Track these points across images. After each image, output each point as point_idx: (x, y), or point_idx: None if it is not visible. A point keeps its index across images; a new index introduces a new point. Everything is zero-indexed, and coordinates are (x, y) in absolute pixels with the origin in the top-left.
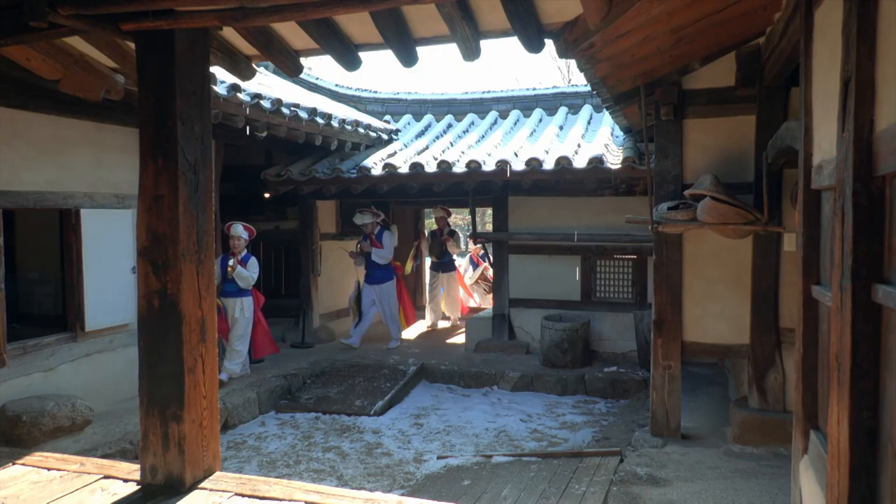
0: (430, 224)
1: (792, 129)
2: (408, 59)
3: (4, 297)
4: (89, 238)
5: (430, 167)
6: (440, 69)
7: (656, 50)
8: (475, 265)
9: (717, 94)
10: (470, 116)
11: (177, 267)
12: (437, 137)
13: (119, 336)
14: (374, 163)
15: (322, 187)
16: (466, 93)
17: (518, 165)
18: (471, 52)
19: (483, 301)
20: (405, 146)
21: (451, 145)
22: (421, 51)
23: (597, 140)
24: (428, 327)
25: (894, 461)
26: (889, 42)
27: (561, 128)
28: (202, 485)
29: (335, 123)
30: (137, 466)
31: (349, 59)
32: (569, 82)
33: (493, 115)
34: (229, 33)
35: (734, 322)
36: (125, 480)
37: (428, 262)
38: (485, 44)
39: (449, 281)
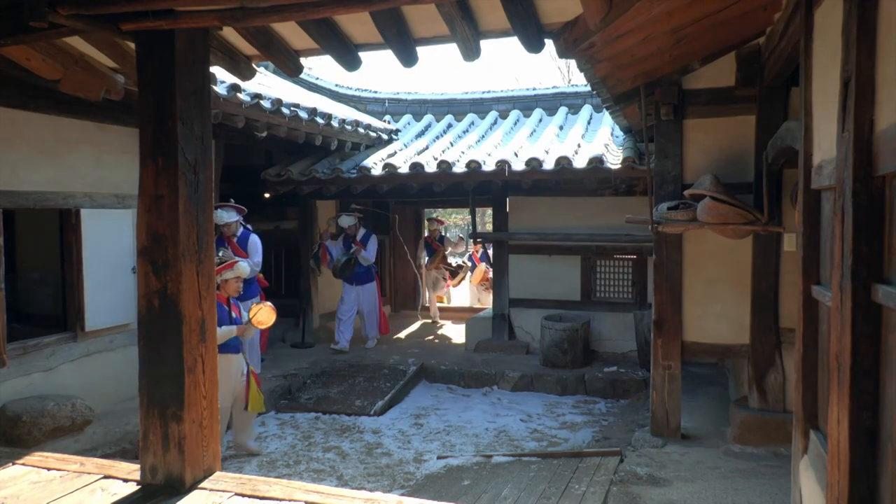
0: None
1: (792, 129)
2: (408, 59)
3: (4, 297)
4: (89, 238)
5: (430, 167)
6: (440, 69)
7: (656, 50)
8: (474, 264)
9: (717, 94)
10: (470, 116)
11: (177, 267)
12: (437, 137)
13: (119, 336)
14: (374, 163)
15: (322, 187)
16: (466, 93)
17: (518, 165)
18: (471, 52)
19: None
20: (405, 146)
21: (451, 145)
22: (421, 51)
23: (597, 140)
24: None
25: (894, 461)
26: (889, 42)
27: (561, 128)
28: (202, 485)
29: (335, 123)
30: (137, 466)
31: (349, 59)
32: (569, 82)
33: (493, 115)
34: (229, 33)
35: (734, 322)
36: (125, 480)
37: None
38: (485, 44)
39: (364, 295)
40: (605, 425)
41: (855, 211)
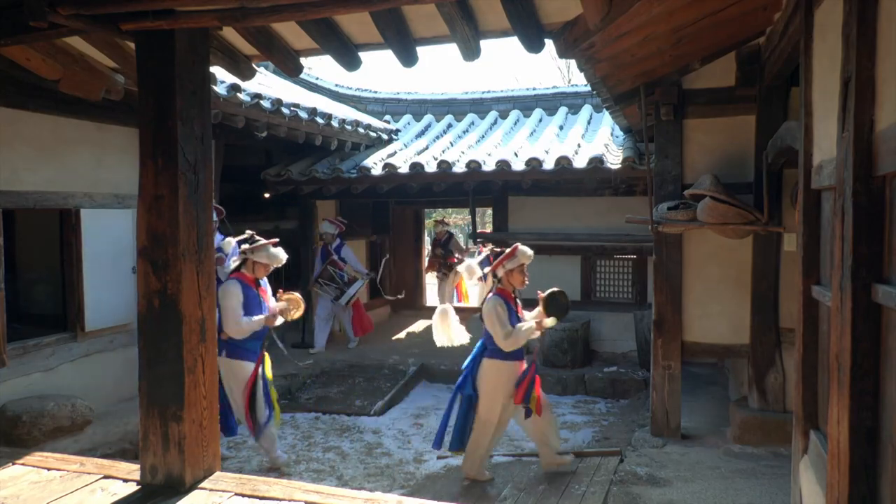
0: (430, 225)
1: (792, 129)
2: (408, 59)
3: (4, 297)
4: (89, 238)
5: (430, 167)
6: (440, 69)
7: (656, 50)
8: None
9: (717, 93)
10: (470, 116)
11: (177, 267)
12: (437, 137)
13: (119, 336)
14: (374, 163)
15: (322, 187)
16: (466, 93)
17: (518, 165)
18: (471, 52)
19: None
20: (405, 146)
21: (451, 145)
22: (421, 51)
23: (597, 140)
24: None
25: (894, 461)
26: (889, 42)
27: (561, 128)
28: (202, 485)
29: (335, 123)
30: (137, 466)
31: (349, 59)
32: (569, 82)
33: (493, 115)
34: (229, 33)
35: (734, 322)
36: (125, 480)
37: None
38: (485, 44)
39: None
40: (605, 425)
41: (855, 211)
